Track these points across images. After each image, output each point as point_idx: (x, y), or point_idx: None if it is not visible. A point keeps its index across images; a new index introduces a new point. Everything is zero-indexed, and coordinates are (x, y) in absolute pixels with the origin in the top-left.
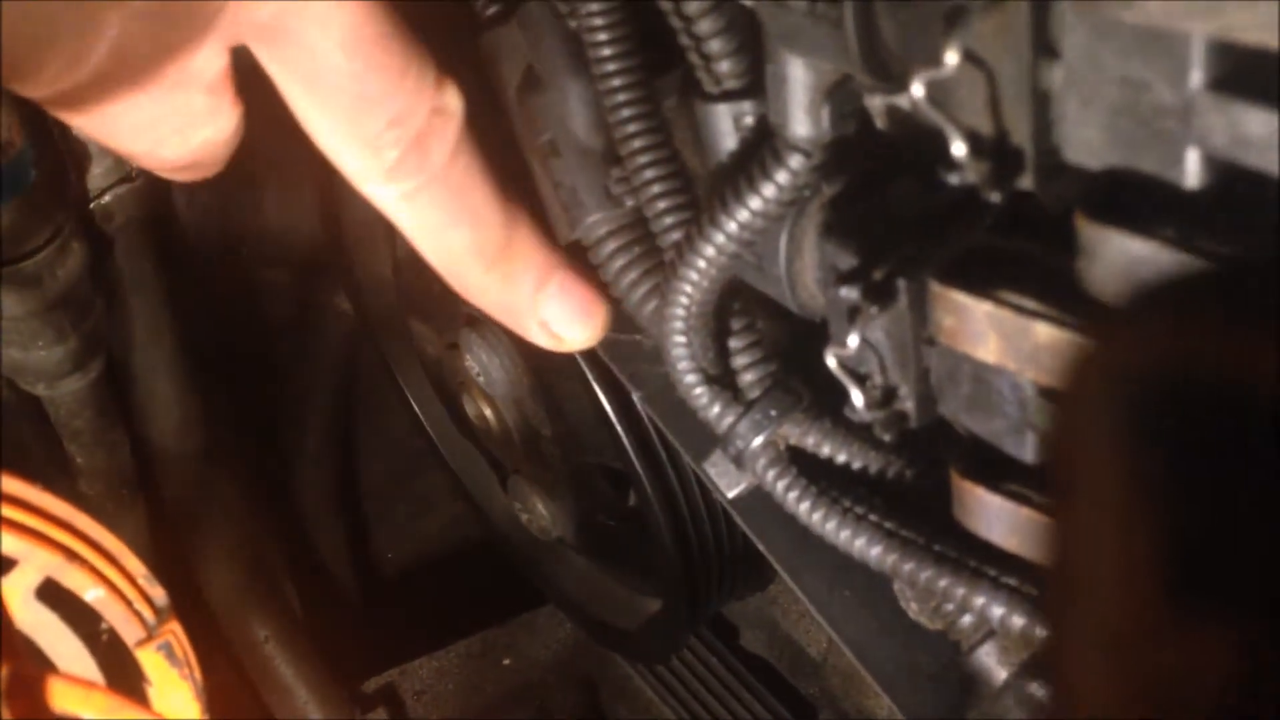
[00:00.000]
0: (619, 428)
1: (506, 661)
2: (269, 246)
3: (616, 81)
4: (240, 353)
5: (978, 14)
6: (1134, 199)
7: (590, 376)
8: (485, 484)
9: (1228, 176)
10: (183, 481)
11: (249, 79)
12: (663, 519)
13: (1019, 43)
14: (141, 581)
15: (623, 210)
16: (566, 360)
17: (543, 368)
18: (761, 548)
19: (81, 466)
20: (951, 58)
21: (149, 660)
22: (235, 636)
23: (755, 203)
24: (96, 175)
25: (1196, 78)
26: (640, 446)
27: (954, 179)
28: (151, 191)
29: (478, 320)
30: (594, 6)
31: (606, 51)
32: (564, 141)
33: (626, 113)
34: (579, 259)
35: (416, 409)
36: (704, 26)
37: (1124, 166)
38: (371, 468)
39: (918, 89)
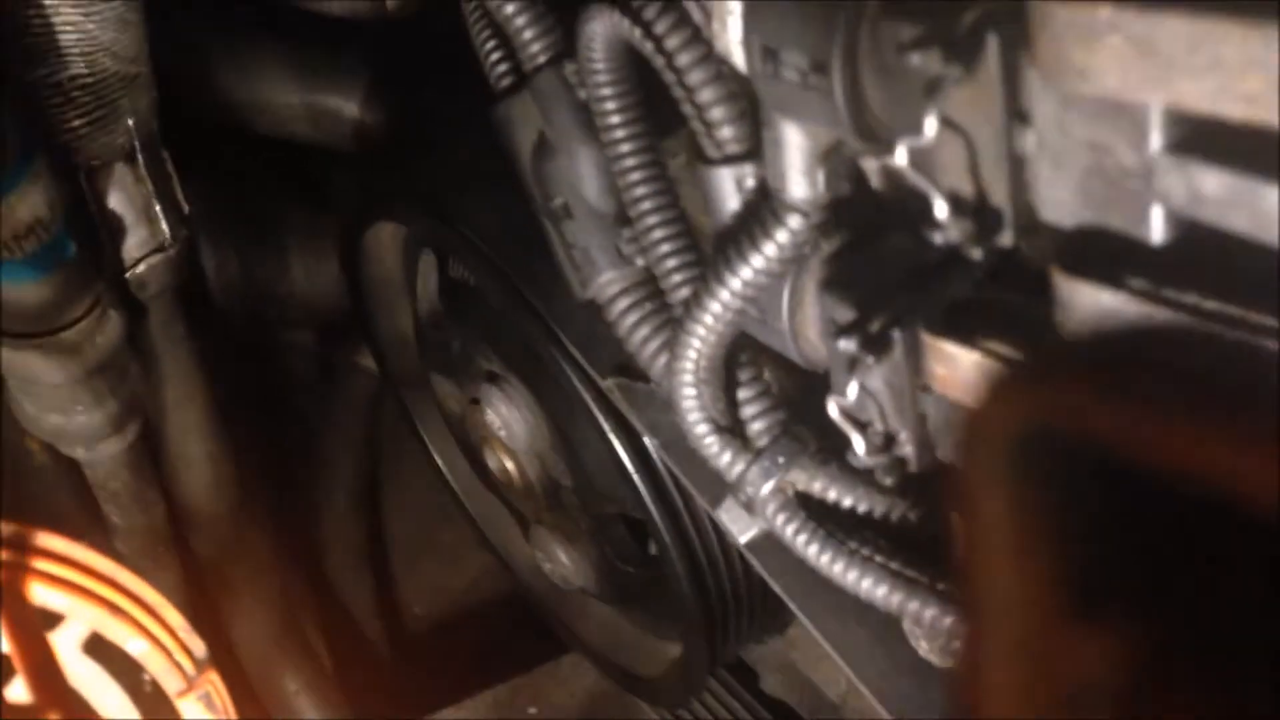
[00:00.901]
0: (636, 477)
1: (532, 710)
2: (294, 310)
3: (625, 147)
4: (268, 413)
5: (954, 84)
6: (1106, 254)
7: (607, 428)
8: (508, 535)
9: (1190, 232)
10: (215, 539)
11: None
12: (681, 565)
13: (993, 111)
14: (181, 633)
15: (633, 269)
16: (585, 413)
17: (562, 421)
18: (777, 589)
19: (118, 526)
20: (930, 127)
21: (190, 709)
22: (267, 689)
23: (757, 261)
24: (131, 246)
25: (1156, 141)
26: (657, 495)
27: (938, 238)
28: (184, 261)
29: (499, 376)
30: (602, 77)
31: (615, 119)
32: (576, 204)
33: (635, 176)
34: None
35: (440, 463)
36: (705, 95)
37: (1095, 224)
38: (398, 523)
39: (901, 155)
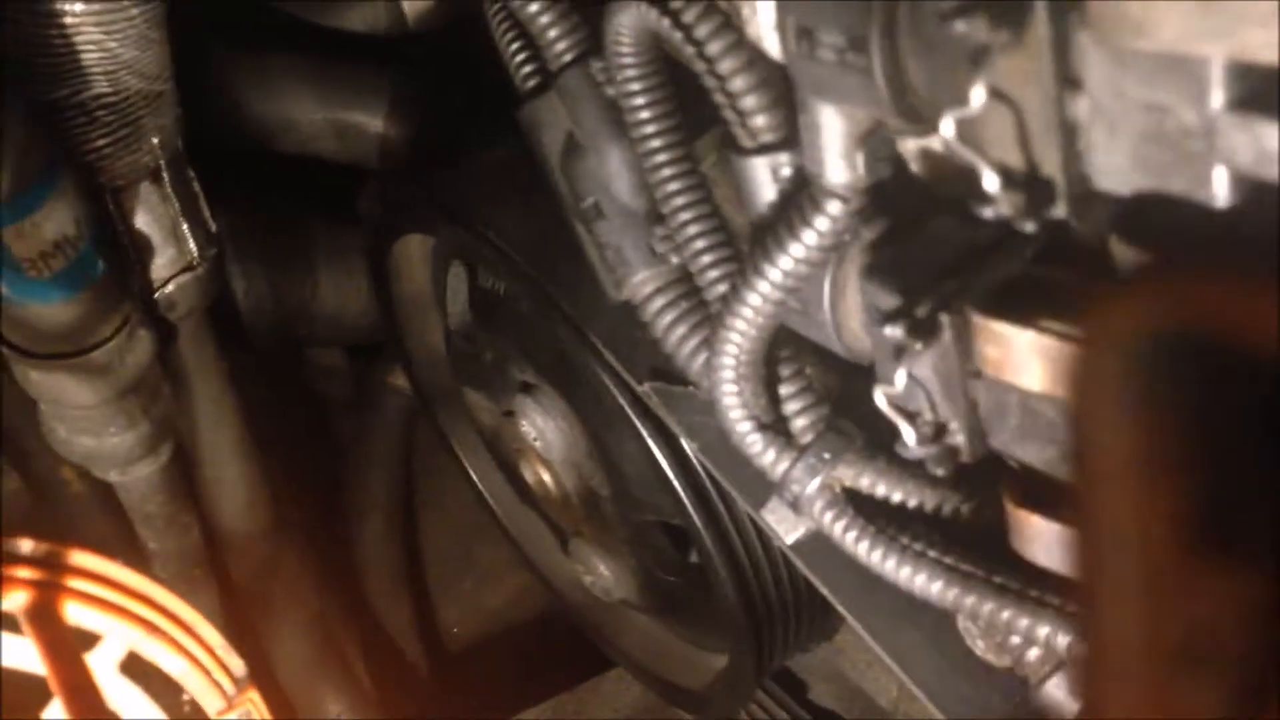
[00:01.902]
0: (676, 482)
1: None
2: (324, 328)
3: (655, 143)
4: (302, 434)
5: (1000, 52)
6: (1166, 221)
7: (645, 433)
8: (547, 550)
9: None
10: (251, 561)
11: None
12: (724, 572)
13: (1043, 77)
14: (219, 652)
15: (668, 267)
16: (622, 419)
17: (599, 428)
18: (825, 591)
19: (154, 550)
20: (978, 96)
21: None
22: (308, 711)
23: (797, 250)
24: (159, 266)
25: (1217, 98)
26: (698, 500)
27: (988, 212)
28: (213, 280)
29: (533, 386)
30: (630, 73)
31: (644, 115)
32: (607, 204)
33: (667, 172)
34: None
35: (475, 479)
36: (737, 84)
37: (1154, 190)
38: (436, 542)
39: (948, 128)
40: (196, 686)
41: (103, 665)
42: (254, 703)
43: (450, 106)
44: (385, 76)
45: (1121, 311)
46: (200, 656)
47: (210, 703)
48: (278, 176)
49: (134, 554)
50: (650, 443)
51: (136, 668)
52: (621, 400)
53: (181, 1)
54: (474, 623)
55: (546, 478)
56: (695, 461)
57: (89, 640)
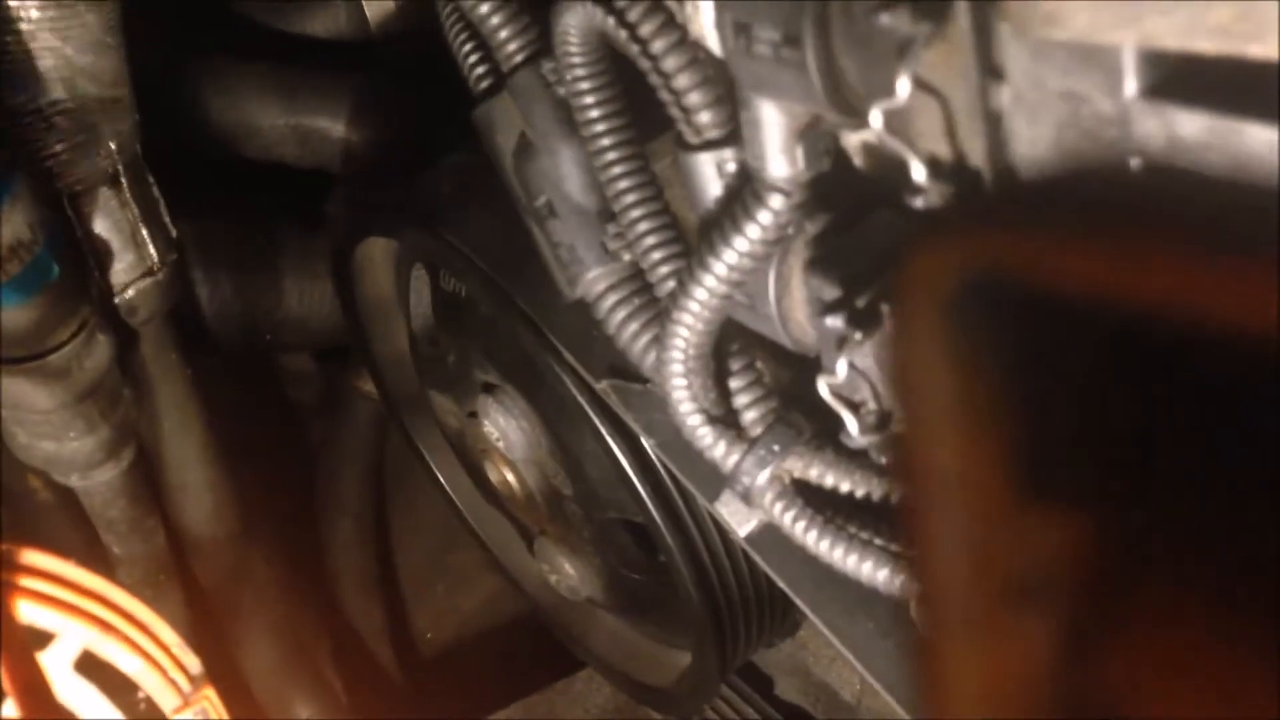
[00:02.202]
0: (635, 479)
1: None
2: (290, 333)
3: (606, 141)
4: (272, 440)
5: (925, 44)
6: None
7: (604, 431)
8: (515, 551)
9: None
10: (218, 567)
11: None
12: (685, 568)
13: (966, 68)
14: (175, 650)
15: (620, 265)
16: (581, 418)
17: (559, 428)
18: (780, 584)
19: (119, 555)
20: (903, 87)
21: None
22: (279, 716)
23: (741, 244)
24: (119, 271)
25: (1130, 86)
26: (657, 497)
27: (919, 203)
28: (174, 285)
29: (495, 387)
30: (579, 72)
31: (594, 113)
32: (560, 203)
33: (617, 170)
34: None
35: (442, 481)
36: (681, 81)
37: (1074, 177)
38: (408, 547)
39: (876, 119)
40: (152, 685)
41: (57, 664)
42: (210, 700)
43: (413, 111)
44: (347, 81)
45: (931, 258)
46: (156, 655)
47: (166, 701)
48: (242, 183)
49: (101, 562)
50: (609, 441)
51: (91, 666)
52: (580, 399)
53: (143, 8)
54: (448, 626)
55: (510, 478)
56: (654, 458)
57: (43, 639)
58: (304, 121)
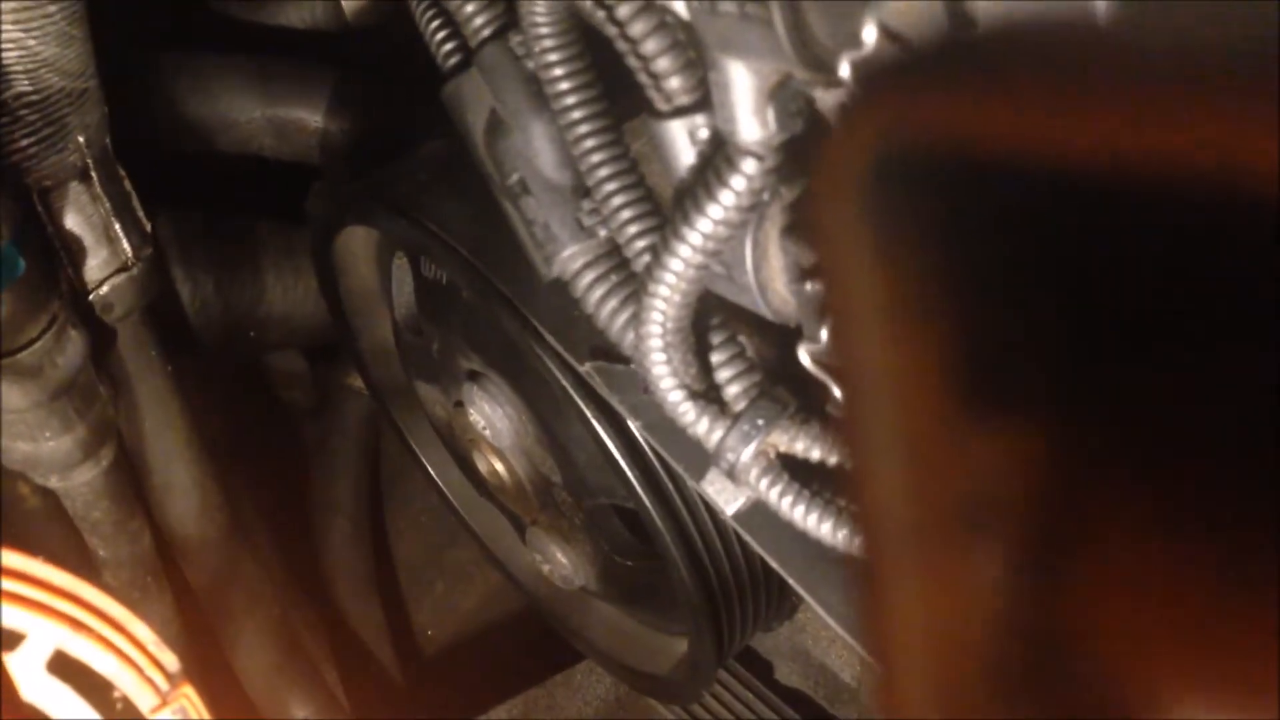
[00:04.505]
0: (622, 463)
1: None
2: (274, 330)
3: (577, 114)
4: (263, 441)
5: None
6: None
7: (589, 414)
8: (508, 543)
9: None
10: (207, 567)
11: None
12: (677, 552)
13: (935, 15)
14: (152, 648)
15: (597, 241)
16: (567, 402)
17: (546, 413)
18: (772, 562)
19: (105, 558)
20: (870, 34)
21: None
22: (273, 717)
23: (715, 211)
24: (93, 267)
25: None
26: (645, 480)
27: None
28: (150, 281)
29: (480, 375)
30: (548, 43)
31: (564, 85)
32: (533, 180)
33: (590, 143)
34: None
35: (434, 475)
36: (650, 47)
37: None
38: (405, 545)
39: (844, 70)
40: (128, 683)
41: (29, 665)
42: (189, 699)
43: (391, 99)
44: (324, 72)
45: (855, 123)
46: (131, 653)
47: (144, 699)
48: (222, 179)
49: (90, 566)
50: (594, 425)
51: (67, 668)
52: (565, 383)
53: (115, 3)
54: (447, 624)
55: (499, 467)
56: (641, 441)
57: (14, 640)
58: (281, 113)
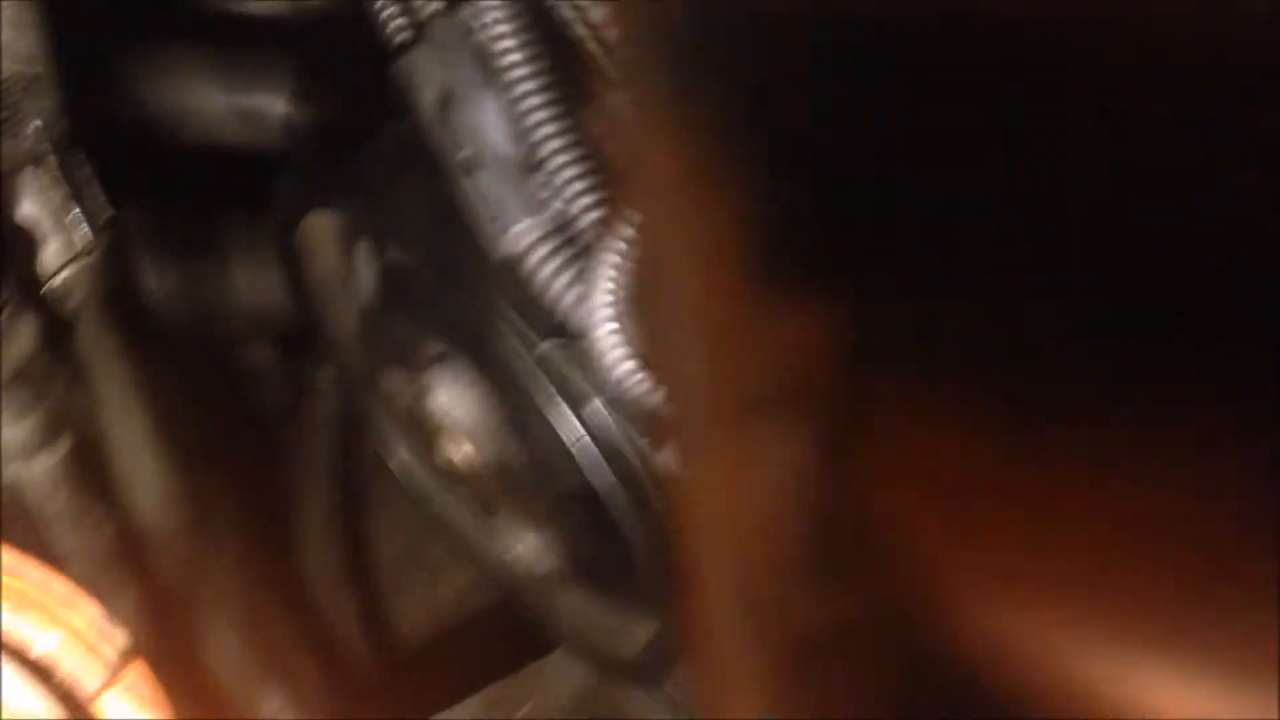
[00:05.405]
0: (582, 442)
1: (524, 710)
2: (241, 321)
3: (527, 86)
4: (235, 436)
5: None
6: None
7: (549, 394)
8: (476, 531)
9: None
10: (172, 559)
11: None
12: (640, 528)
13: None
14: (100, 625)
15: (549, 215)
16: (526, 382)
17: (508, 395)
18: None
19: (67, 550)
20: None
21: (114, 704)
22: (245, 709)
23: None
24: (49, 255)
25: None
26: (607, 457)
27: None
28: (109, 268)
29: (443, 358)
30: (497, 14)
31: (514, 58)
32: (484, 154)
33: (540, 115)
34: None
35: (402, 465)
36: (597, 14)
37: None
38: (382, 538)
39: None
40: (74, 661)
41: None
42: (139, 676)
43: (354, 83)
44: (287, 58)
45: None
46: (79, 629)
47: (91, 677)
48: (188, 170)
49: (54, 563)
50: (555, 404)
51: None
52: (524, 362)
53: None
54: (424, 618)
55: (465, 451)
56: (604, 418)
57: None
58: (242, 100)
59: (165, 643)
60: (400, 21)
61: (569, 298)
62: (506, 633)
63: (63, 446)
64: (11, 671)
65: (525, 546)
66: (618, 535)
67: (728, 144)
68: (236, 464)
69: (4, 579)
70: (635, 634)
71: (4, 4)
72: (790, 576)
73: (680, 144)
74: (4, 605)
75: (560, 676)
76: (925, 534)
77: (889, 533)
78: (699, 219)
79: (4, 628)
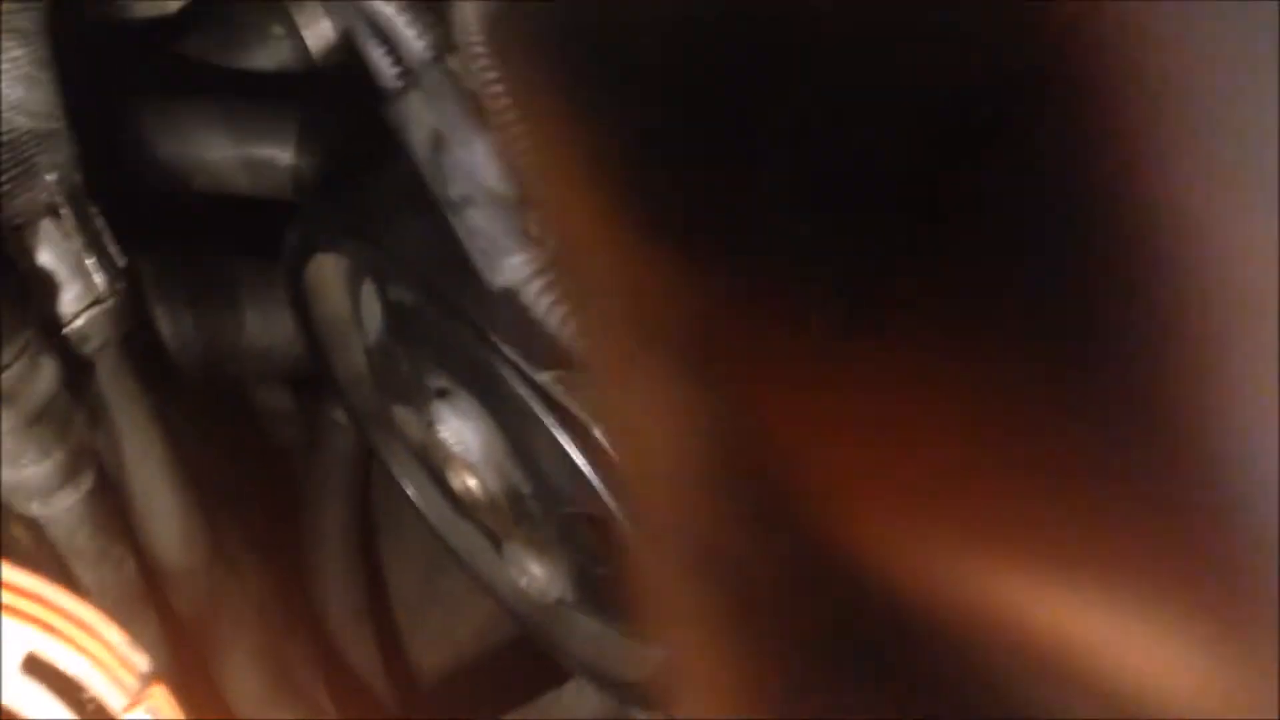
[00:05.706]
0: (586, 469)
1: None
2: (254, 363)
3: (519, 128)
4: (251, 471)
5: None
6: None
7: (550, 423)
8: (488, 560)
9: None
10: (192, 594)
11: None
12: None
13: None
14: (122, 649)
15: (544, 248)
16: (530, 412)
17: (512, 425)
18: None
19: (90, 585)
20: None
21: None
22: None
23: None
24: (67, 301)
25: None
26: (610, 484)
27: None
28: (126, 313)
29: (448, 392)
30: (484, 62)
31: (504, 101)
32: (477, 193)
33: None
34: None
35: (415, 497)
36: None
37: None
38: (399, 574)
39: None
40: (99, 684)
41: (4, 667)
42: (161, 699)
43: (358, 131)
44: (293, 109)
45: None
46: (101, 655)
47: (115, 700)
48: (200, 219)
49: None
50: (556, 433)
51: (41, 668)
52: (524, 393)
53: (84, 52)
54: (443, 654)
55: (472, 483)
56: (605, 445)
57: None
58: (252, 151)
59: (185, 676)
60: (393, 71)
61: (567, 330)
62: (523, 661)
63: (84, 485)
64: (43, 690)
65: (535, 574)
66: (624, 560)
67: (597, 126)
68: (253, 500)
69: (34, 606)
70: (648, 658)
71: (13, 64)
72: (718, 522)
73: (567, 130)
74: (33, 630)
75: (576, 703)
76: (818, 465)
77: (796, 472)
78: (572, 156)
79: (36, 650)
